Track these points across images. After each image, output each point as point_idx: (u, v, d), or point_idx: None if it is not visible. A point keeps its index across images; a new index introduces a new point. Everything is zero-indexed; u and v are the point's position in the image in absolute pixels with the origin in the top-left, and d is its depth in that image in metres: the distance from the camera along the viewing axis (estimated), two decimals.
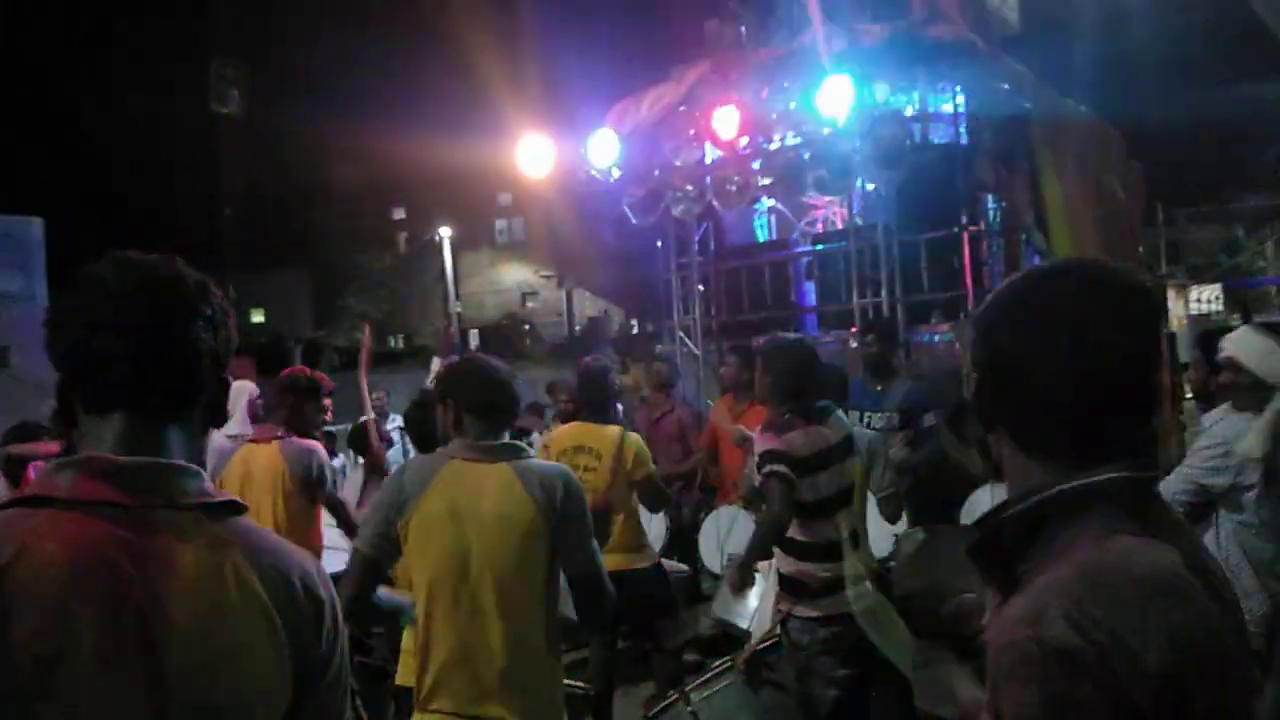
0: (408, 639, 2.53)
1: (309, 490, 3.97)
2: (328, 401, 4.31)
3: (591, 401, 4.66)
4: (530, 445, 4.75)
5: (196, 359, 1.20)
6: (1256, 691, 1.23)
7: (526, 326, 37.33)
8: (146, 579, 1.09)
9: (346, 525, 4.10)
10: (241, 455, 4.10)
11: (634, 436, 4.60)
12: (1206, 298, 14.27)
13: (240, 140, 24.30)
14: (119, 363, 1.16)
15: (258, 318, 37.50)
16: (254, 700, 1.14)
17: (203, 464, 1.21)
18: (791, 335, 4.07)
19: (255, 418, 4.63)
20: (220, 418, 1.27)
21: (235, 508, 1.20)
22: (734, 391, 5.75)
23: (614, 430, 4.58)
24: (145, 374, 1.17)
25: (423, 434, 4.27)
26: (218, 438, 4.48)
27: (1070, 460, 1.13)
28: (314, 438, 4.22)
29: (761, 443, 3.53)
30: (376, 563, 2.55)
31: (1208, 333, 4.10)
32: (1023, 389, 1.15)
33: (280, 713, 1.16)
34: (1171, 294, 9.85)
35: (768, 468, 3.45)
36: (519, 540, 2.49)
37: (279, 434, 4.07)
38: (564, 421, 5.21)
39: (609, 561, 4.49)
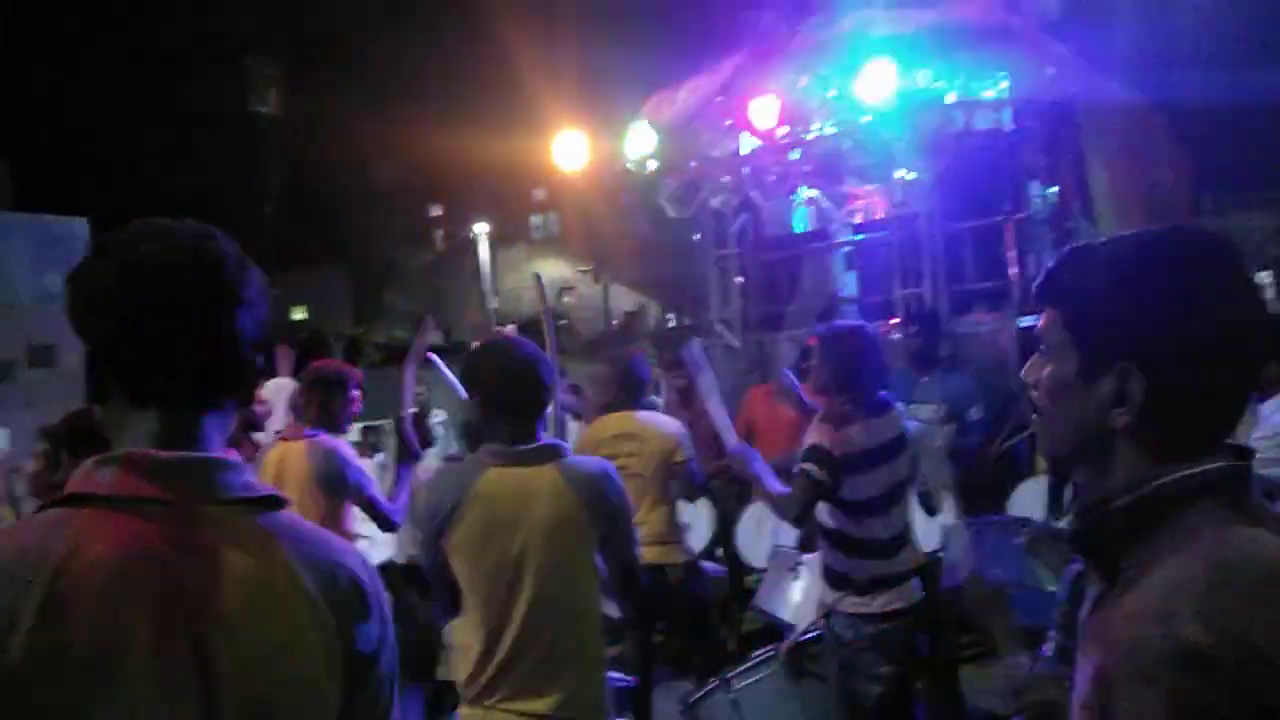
0: (459, 635, 2.52)
1: (333, 489, 3.89)
2: (357, 394, 4.26)
3: (629, 390, 4.66)
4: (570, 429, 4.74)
5: (239, 346, 1.16)
6: None
7: (563, 321, 37.44)
8: (194, 576, 1.07)
9: (381, 522, 4.08)
10: (276, 453, 4.05)
11: (673, 423, 4.60)
12: (1260, 285, 13.97)
13: (279, 138, 24.56)
14: (161, 352, 1.12)
15: (299, 315, 37.98)
16: (305, 693, 1.12)
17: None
18: (851, 322, 3.97)
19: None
20: (249, 401, 1.25)
21: (278, 501, 1.17)
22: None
23: (653, 416, 4.58)
24: (189, 364, 1.13)
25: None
26: (265, 436, 4.50)
27: (1175, 449, 1.06)
28: (342, 433, 4.20)
29: (814, 433, 3.45)
30: (440, 573, 2.54)
31: None
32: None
33: (332, 704, 1.14)
34: None
35: (803, 464, 3.39)
36: (571, 542, 2.48)
37: (307, 431, 4.00)
38: (600, 412, 5.21)
39: (646, 554, 4.48)
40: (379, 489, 4.03)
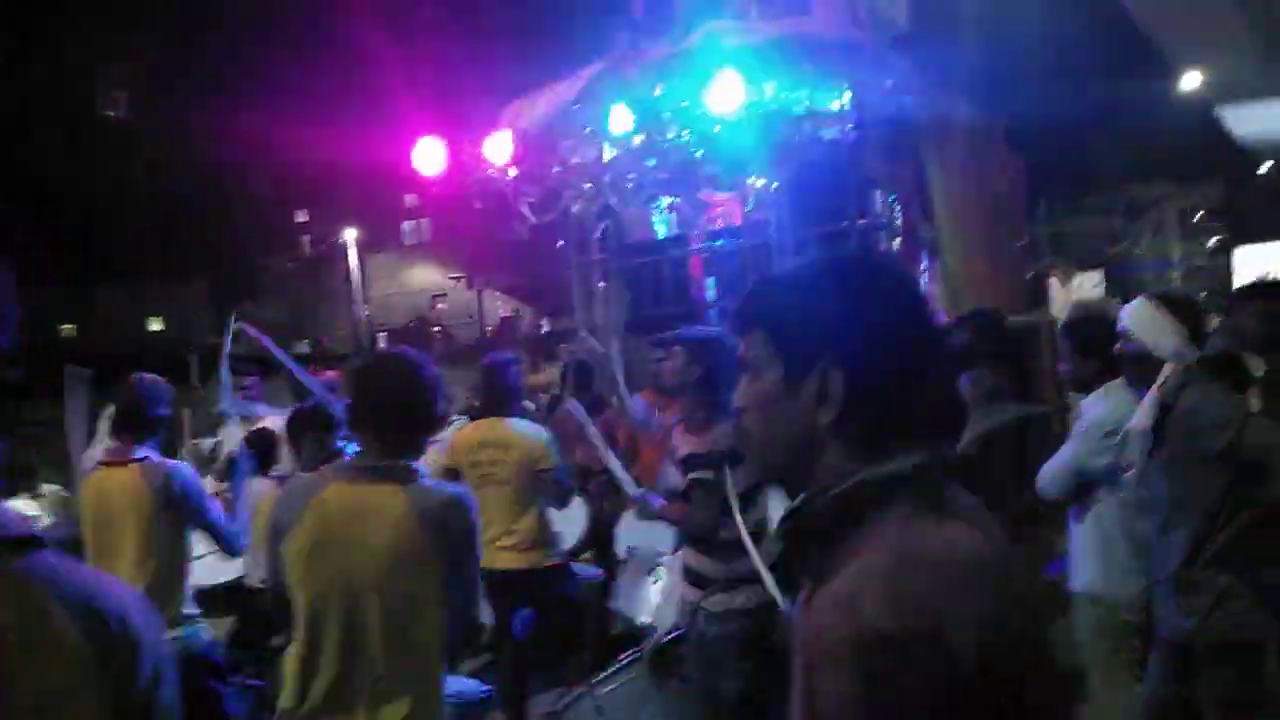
0: (289, 663, 2.47)
1: (174, 515, 3.68)
2: (166, 412, 3.90)
3: (495, 398, 4.70)
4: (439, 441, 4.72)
5: None
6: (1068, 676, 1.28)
7: (437, 329, 36.89)
8: None
9: (225, 545, 3.92)
10: (96, 481, 3.73)
11: (540, 430, 4.65)
12: (1090, 284, 14.89)
13: (135, 145, 23.45)
14: None
15: (156, 326, 36.28)
16: None
17: None
18: (711, 329, 4.12)
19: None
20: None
21: (35, 541, 1.10)
22: (655, 388, 5.71)
23: (520, 424, 4.62)
24: None
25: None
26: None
27: (876, 445, 1.15)
28: (173, 453, 4.01)
29: (684, 443, 3.56)
30: (286, 600, 2.47)
31: (1076, 322, 3.97)
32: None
33: None
34: (1055, 282, 10.24)
35: (693, 474, 3.49)
36: (408, 570, 2.39)
37: (135, 454, 3.72)
38: (471, 418, 5.22)
39: (515, 560, 4.52)
40: (220, 510, 3.91)
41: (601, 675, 4.57)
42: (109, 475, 3.73)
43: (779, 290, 1.26)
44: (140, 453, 3.73)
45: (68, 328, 34.61)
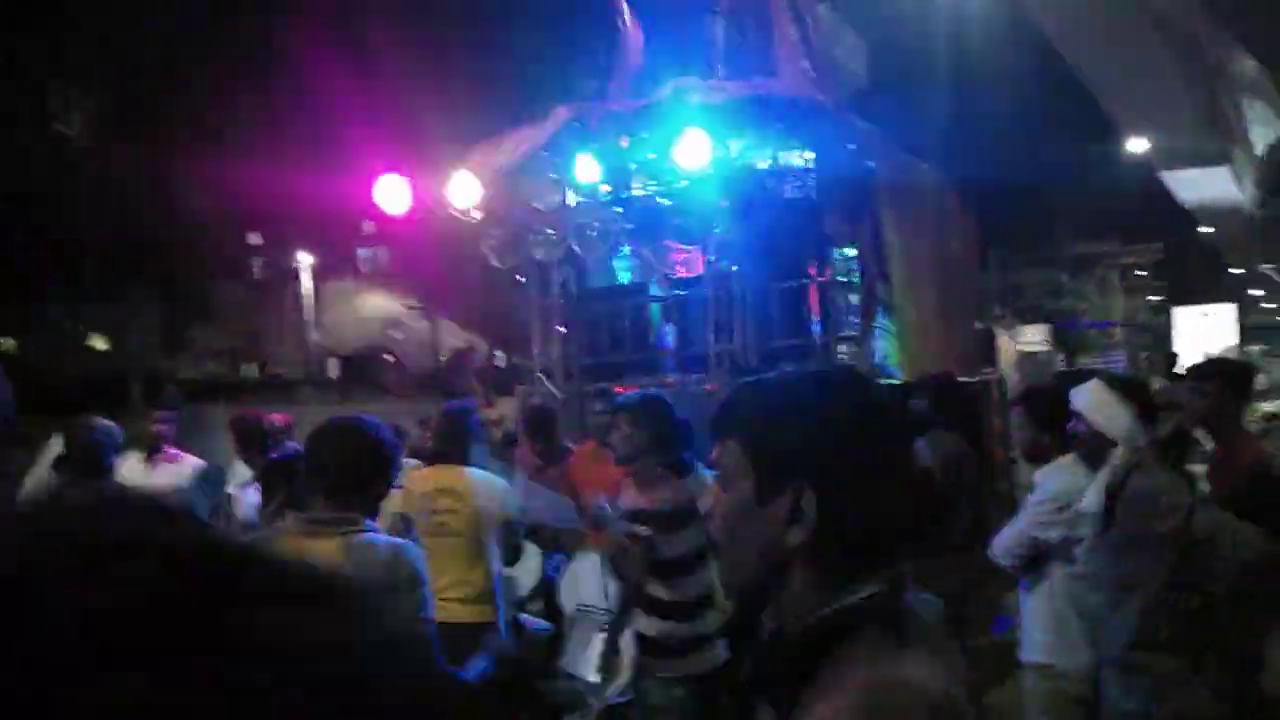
0: None
1: None
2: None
3: (454, 445, 4.65)
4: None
5: None
6: None
7: (389, 357, 36.54)
8: None
9: None
10: None
11: (498, 481, 4.62)
12: (1036, 339, 15.30)
13: (85, 162, 23.07)
14: None
15: (100, 345, 35.48)
16: None
17: None
18: (651, 389, 4.15)
19: None
20: None
21: None
22: (599, 439, 5.69)
23: (478, 475, 4.57)
24: None
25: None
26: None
27: (844, 571, 1.15)
28: None
29: (630, 499, 3.58)
30: None
31: (1032, 395, 4.09)
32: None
33: None
34: (1003, 334, 10.50)
35: (631, 528, 3.51)
36: None
37: None
38: (426, 459, 5.16)
39: (465, 613, 4.47)
40: None
41: None
42: None
43: (757, 402, 1.25)
44: None
45: (6, 341, 33.74)
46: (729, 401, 1.28)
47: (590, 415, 6.66)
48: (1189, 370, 4.28)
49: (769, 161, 6.96)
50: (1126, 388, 3.35)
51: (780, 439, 1.18)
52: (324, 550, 2.43)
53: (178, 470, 5.21)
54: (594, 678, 4.37)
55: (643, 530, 3.46)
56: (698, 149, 6.12)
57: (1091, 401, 3.31)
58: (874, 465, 1.18)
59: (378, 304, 44.24)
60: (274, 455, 4.36)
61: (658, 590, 3.56)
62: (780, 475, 1.16)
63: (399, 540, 2.71)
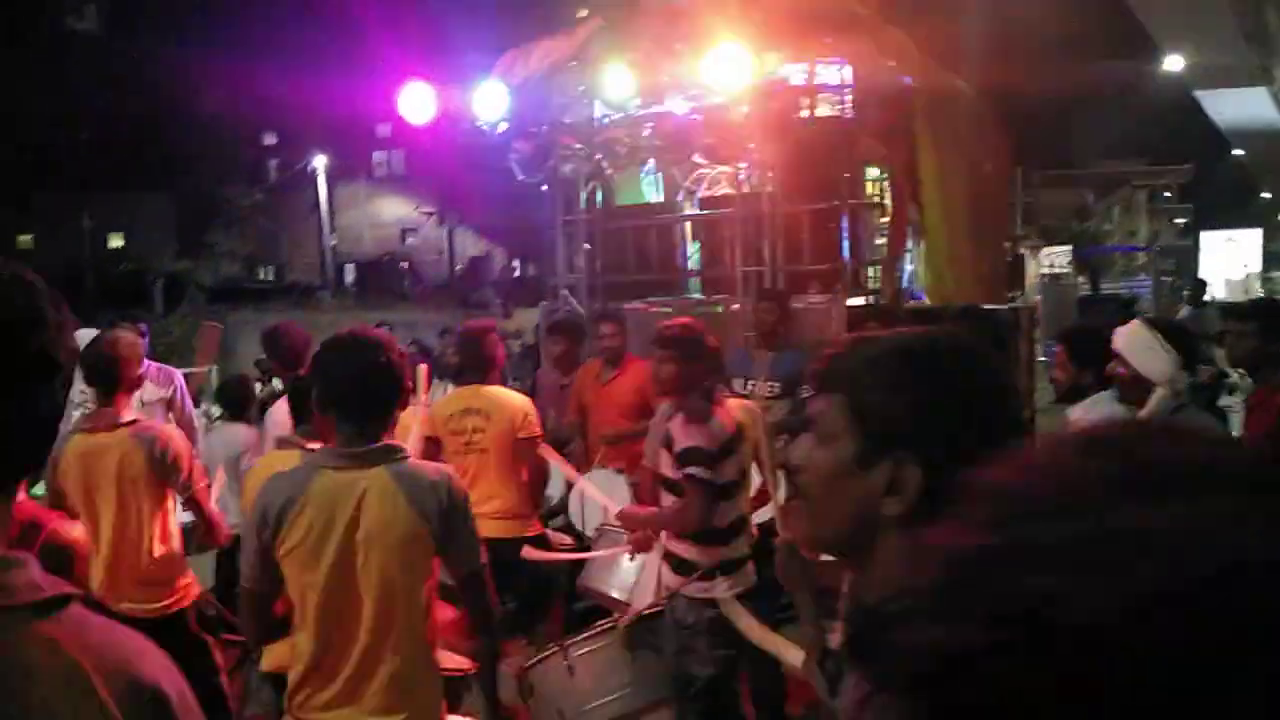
0: (270, 657, 2.49)
1: (161, 480, 3.56)
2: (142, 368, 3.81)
3: (475, 365, 4.69)
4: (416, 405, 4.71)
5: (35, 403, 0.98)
6: None
7: (405, 265, 36.41)
8: None
9: (209, 529, 3.79)
10: (77, 449, 3.50)
11: (520, 398, 4.66)
12: (1058, 262, 15.11)
13: (97, 58, 22.71)
14: None
15: (116, 242, 35.39)
16: None
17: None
18: (683, 319, 4.13)
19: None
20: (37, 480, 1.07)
21: (66, 599, 0.99)
22: (604, 358, 5.69)
23: (501, 392, 4.62)
24: None
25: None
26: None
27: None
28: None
29: (684, 435, 3.57)
30: (267, 597, 2.50)
31: (1075, 333, 4.07)
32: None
33: None
34: (1025, 255, 10.37)
35: (690, 469, 3.52)
36: (404, 550, 2.44)
37: (124, 420, 3.54)
38: (452, 377, 5.19)
39: (497, 528, 4.56)
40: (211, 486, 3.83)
41: (576, 638, 4.63)
42: (93, 442, 3.55)
43: (869, 363, 1.18)
44: (126, 417, 3.61)
45: (24, 238, 33.71)
46: (838, 355, 1.22)
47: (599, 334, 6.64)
48: (1225, 310, 4.24)
49: (804, 79, 6.78)
50: (1168, 331, 3.36)
51: (890, 408, 1.14)
52: (374, 481, 2.43)
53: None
54: (618, 594, 4.45)
55: (703, 474, 3.49)
56: (731, 64, 5.95)
57: (1134, 343, 3.30)
58: (983, 451, 1.16)
59: (393, 209, 43.91)
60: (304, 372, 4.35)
61: None
62: (884, 442, 1.13)
63: (437, 465, 2.74)
